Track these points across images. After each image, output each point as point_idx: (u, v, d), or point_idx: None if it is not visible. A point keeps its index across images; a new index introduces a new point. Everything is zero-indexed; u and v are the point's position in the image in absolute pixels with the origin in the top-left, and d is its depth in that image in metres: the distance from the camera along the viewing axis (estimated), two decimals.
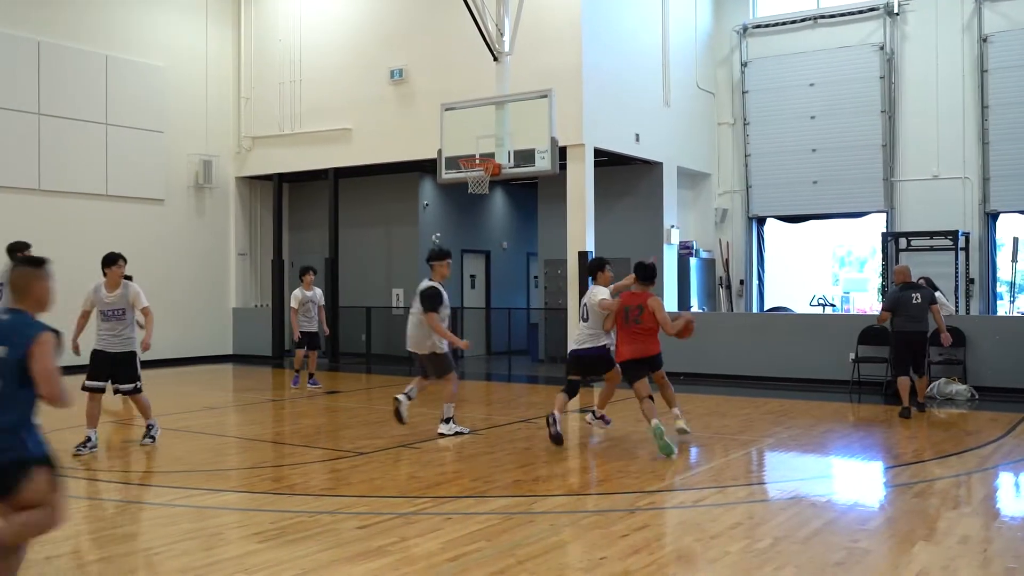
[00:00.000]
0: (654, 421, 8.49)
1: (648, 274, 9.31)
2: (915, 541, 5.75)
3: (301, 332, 13.87)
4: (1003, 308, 17.44)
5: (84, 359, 9.39)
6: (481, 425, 10.57)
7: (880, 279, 17.81)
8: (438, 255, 9.88)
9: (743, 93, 19.24)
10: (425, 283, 9.69)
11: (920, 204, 17.38)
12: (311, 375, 14.27)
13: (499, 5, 14.37)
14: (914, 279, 11.81)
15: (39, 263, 4.53)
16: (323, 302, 14.28)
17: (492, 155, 13.52)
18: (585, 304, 9.61)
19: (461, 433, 9.78)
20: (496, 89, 14.21)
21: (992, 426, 10.27)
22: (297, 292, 13.97)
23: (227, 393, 14.92)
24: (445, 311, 9.66)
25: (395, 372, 16.83)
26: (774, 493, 7.26)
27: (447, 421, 9.83)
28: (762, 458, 8.88)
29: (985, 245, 16.91)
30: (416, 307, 9.68)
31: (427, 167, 17.98)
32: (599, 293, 9.54)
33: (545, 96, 13.27)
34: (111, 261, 9.47)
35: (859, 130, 17.97)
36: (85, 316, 9.62)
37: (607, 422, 10.13)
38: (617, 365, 9.38)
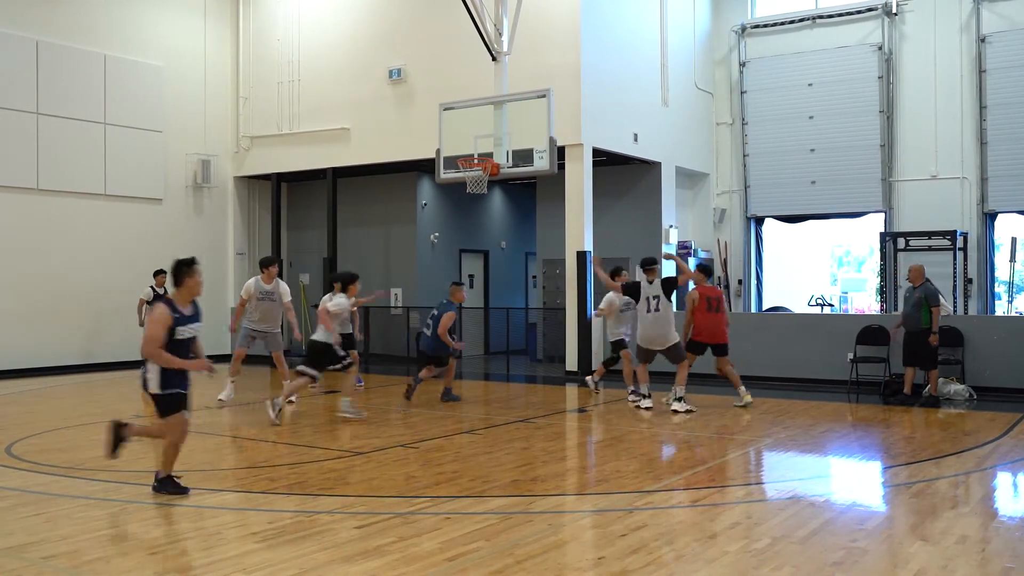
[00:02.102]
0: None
1: (711, 271, 12.69)
2: (913, 541, 5.76)
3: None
4: (1001, 308, 17.44)
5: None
6: (480, 425, 10.57)
7: (878, 279, 17.82)
8: (652, 260, 11.82)
9: (741, 93, 19.25)
10: (650, 283, 11.55)
11: (918, 204, 17.39)
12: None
13: (498, 5, 14.37)
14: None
15: (458, 284, 12.33)
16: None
17: (490, 155, 13.54)
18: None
19: (692, 411, 11.25)
20: (494, 89, 14.21)
21: (990, 426, 10.28)
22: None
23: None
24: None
25: (393, 372, 16.81)
26: (772, 493, 7.26)
27: (681, 399, 11.37)
28: (760, 458, 8.88)
29: (983, 245, 16.92)
30: (663, 302, 11.44)
31: (425, 167, 17.99)
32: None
33: (543, 96, 13.28)
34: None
35: (857, 130, 17.98)
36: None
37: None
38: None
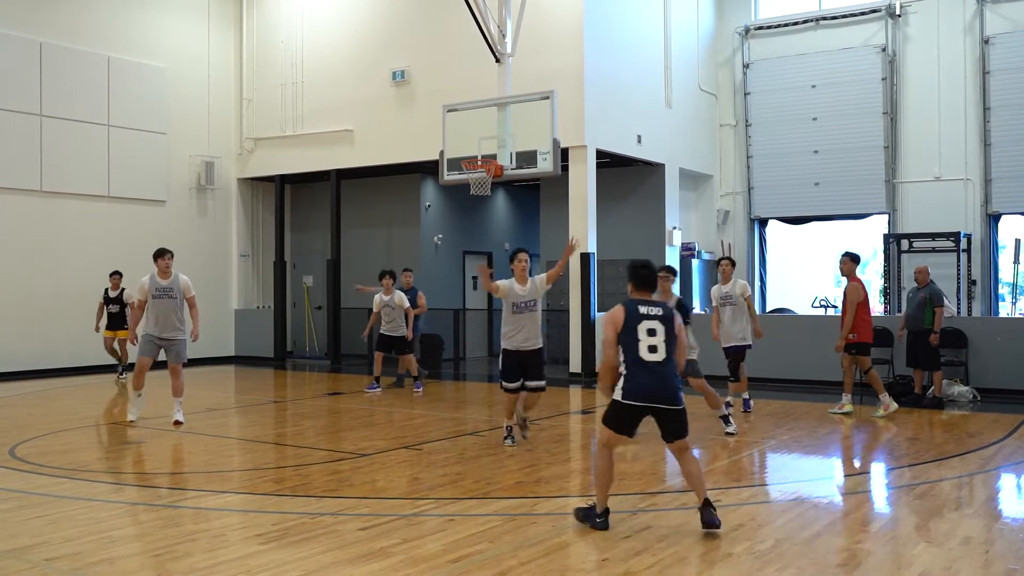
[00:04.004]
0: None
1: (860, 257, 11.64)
2: (917, 543, 5.75)
3: (381, 335, 13.77)
4: (1005, 310, 17.42)
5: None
6: (483, 427, 10.57)
7: (882, 280, 17.80)
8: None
9: (745, 95, 19.24)
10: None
11: (922, 206, 17.36)
12: (415, 378, 14.06)
13: (501, 6, 14.40)
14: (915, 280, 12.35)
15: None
16: (407, 305, 13.78)
17: (494, 156, 13.57)
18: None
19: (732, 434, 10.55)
20: (498, 90, 14.24)
21: (994, 428, 10.27)
22: (376, 296, 13.85)
23: (229, 394, 14.92)
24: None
25: (396, 374, 16.80)
26: (776, 495, 7.25)
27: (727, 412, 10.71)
28: (764, 459, 8.87)
29: (987, 247, 16.89)
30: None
31: (429, 168, 17.98)
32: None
33: (547, 97, 13.31)
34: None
35: (861, 132, 17.97)
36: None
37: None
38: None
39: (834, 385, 13.76)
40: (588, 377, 15.46)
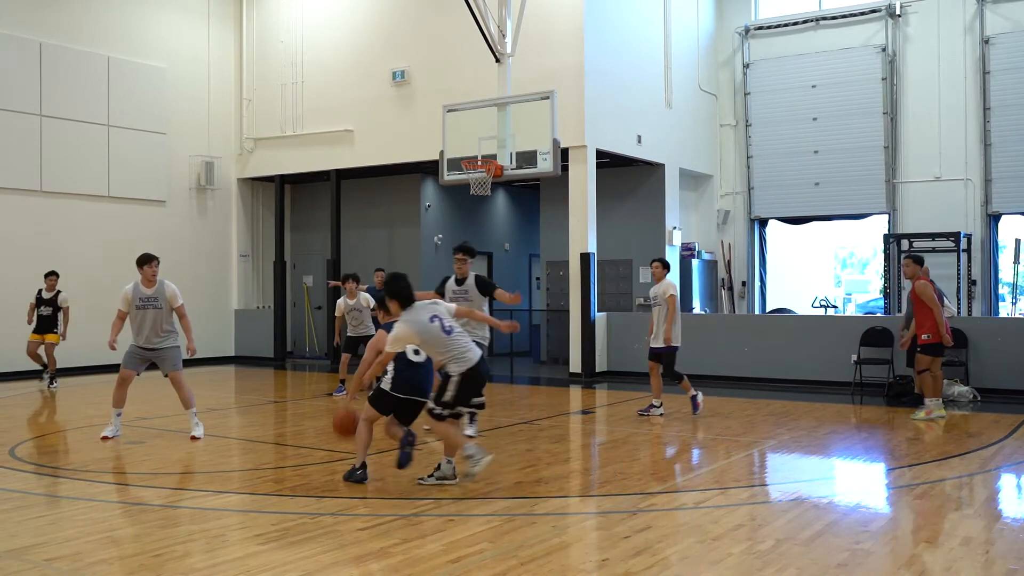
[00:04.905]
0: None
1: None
2: (917, 543, 5.75)
3: (349, 337, 13.48)
4: (1005, 310, 17.42)
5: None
6: (484, 427, 10.56)
7: (882, 281, 17.80)
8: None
9: (745, 95, 19.24)
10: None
11: (922, 206, 17.37)
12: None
13: (501, 6, 14.40)
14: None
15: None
16: (373, 304, 13.20)
17: (494, 156, 13.57)
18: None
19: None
20: (498, 90, 14.24)
21: (994, 428, 10.26)
22: (340, 301, 13.58)
23: (229, 395, 14.92)
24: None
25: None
26: (776, 495, 7.25)
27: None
28: (764, 460, 8.87)
29: (987, 247, 16.90)
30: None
31: (429, 168, 17.99)
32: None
33: (547, 97, 13.31)
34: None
35: (861, 132, 17.97)
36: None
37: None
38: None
39: (835, 385, 13.79)
40: (588, 377, 15.47)
